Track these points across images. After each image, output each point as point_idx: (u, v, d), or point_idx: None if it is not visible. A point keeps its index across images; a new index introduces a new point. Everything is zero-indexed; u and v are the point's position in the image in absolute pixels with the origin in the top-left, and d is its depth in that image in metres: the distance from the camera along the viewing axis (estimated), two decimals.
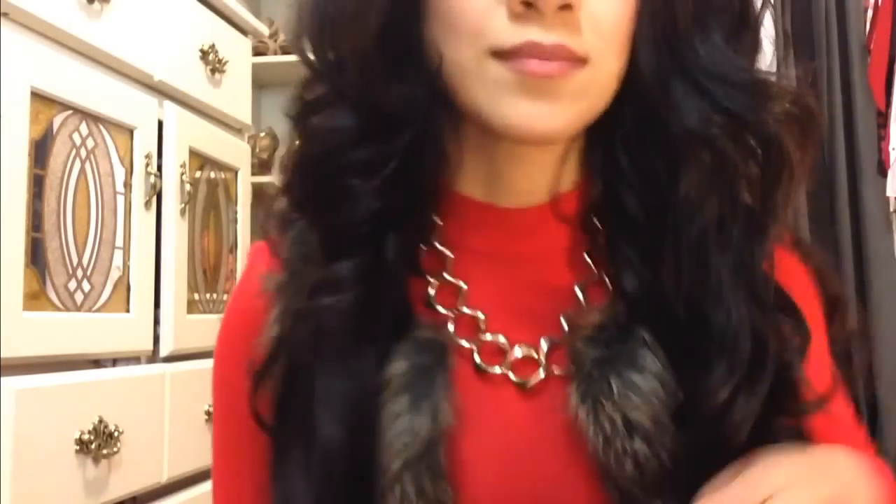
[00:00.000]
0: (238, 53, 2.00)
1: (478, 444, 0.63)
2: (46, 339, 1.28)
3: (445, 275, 0.67)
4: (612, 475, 0.61)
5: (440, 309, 0.66)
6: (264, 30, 2.24)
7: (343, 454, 0.62)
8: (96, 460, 1.33)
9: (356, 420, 0.62)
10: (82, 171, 1.39)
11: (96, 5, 1.43)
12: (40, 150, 1.30)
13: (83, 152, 1.40)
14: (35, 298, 1.27)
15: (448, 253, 0.67)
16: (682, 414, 0.61)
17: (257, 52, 2.78)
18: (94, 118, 1.43)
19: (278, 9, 3.16)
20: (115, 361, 1.49)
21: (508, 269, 0.68)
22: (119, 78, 1.52)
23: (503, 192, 0.67)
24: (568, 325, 0.66)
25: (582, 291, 0.67)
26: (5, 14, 1.25)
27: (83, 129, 1.40)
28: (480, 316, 0.66)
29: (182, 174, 1.66)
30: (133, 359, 1.52)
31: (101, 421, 1.34)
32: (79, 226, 1.38)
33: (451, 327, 0.65)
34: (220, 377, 0.74)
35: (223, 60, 1.88)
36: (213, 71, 1.84)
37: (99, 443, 1.32)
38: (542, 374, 0.65)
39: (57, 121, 1.34)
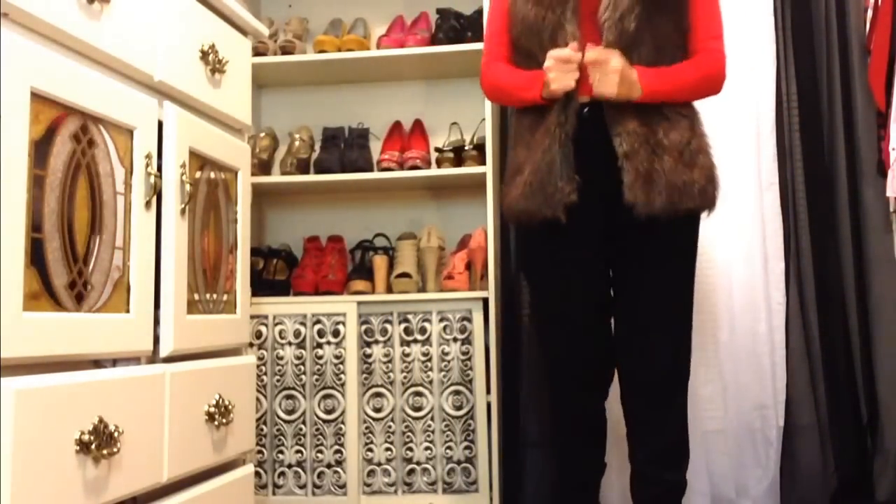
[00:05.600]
0: (238, 53, 2.00)
1: None
2: (46, 339, 1.28)
3: None
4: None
5: None
6: (264, 30, 2.24)
7: None
8: (96, 460, 1.33)
9: None
10: (82, 171, 1.39)
11: (96, 5, 1.43)
12: (40, 150, 1.30)
13: (83, 152, 1.40)
14: (35, 298, 1.27)
15: None
16: None
17: (257, 53, 2.78)
18: (94, 118, 1.43)
19: (278, 9, 3.16)
20: (115, 361, 1.49)
21: None
22: (119, 78, 1.52)
23: None
24: None
25: None
26: (5, 14, 1.25)
27: (83, 129, 1.40)
28: None
29: (182, 174, 1.66)
30: (133, 359, 1.52)
31: (101, 421, 1.34)
32: (79, 226, 1.38)
33: None
34: None
35: (223, 60, 1.88)
36: (213, 71, 1.84)
37: (99, 443, 1.33)
38: None
39: (57, 121, 1.34)
